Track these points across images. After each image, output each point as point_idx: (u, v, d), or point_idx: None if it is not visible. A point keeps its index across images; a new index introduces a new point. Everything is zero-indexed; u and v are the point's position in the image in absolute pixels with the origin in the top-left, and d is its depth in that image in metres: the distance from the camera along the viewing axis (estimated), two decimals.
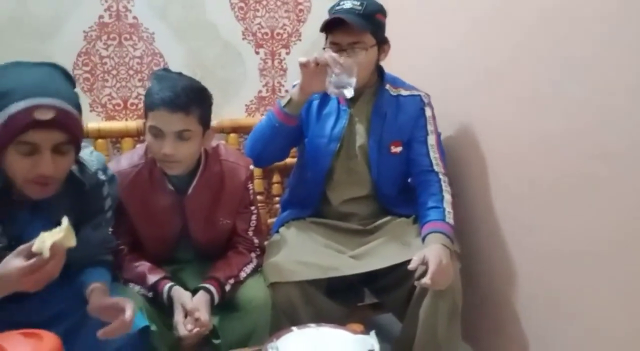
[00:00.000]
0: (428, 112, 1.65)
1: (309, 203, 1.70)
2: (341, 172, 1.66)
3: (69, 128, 1.07)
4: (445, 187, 1.60)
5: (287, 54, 2.09)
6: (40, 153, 1.05)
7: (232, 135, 2.00)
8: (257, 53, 2.05)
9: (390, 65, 1.70)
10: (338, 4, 1.55)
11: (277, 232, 1.69)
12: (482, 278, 1.72)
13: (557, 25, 1.34)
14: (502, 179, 1.61)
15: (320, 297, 1.52)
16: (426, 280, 1.36)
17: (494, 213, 1.64)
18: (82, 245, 1.21)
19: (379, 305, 1.79)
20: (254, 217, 1.56)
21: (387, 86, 1.65)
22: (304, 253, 1.53)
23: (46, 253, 0.96)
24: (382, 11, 1.58)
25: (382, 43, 1.59)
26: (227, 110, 2.02)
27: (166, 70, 1.46)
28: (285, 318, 1.44)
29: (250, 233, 1.55)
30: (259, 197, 1.90)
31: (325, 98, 1.67)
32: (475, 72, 1.67)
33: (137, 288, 1.39)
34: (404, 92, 1.66)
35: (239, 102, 2.07)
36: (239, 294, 1.46)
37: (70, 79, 1.16)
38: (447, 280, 1.41)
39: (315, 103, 1.66)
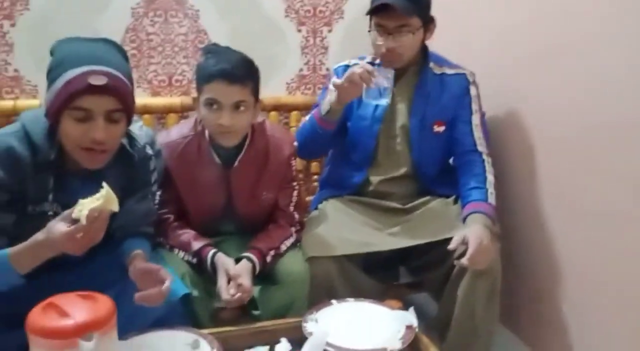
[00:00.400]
0: (473, 91, 1.62)
1: (349, 182, 1.70)
2: (381, 152, 1.66)
3: (121, 95, 1.12)
4: (489, 167, 1.58)
5: (329, 31, 2.08)
6: (94, 119, 1.10)
7: (272, 113, 2.02)
8: (299, 31, 2.05)
9: (435, 42, 1.67)
10: None
11: (316, 208, 1.71)
12: (522, 261, 1.70)
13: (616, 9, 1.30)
14: (548, 161, 1.58)
15: (357, 273, 1.53)
16: (465, 260, 1.36)
17: (537, 194, 1.61)
18: (126, 216, 1.26)
19: (415, 284, 1.79)
20: (295, 193, 1.59)
21: (431, 65, 1.63)
22: (342, 228, 1.54)
23: (83, 221, 1.00)
24: None
25: (428, 23, 1.57)
26: (268, 88, 2.02)
27: (216, 45, 1.49)
28: (322, 292, 1.46)
29: (291, 208, 1.58)
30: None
31: None
32: (523, 51, 1.63)
33: (181, 254, 1.44)
34: (448, 71, 1.64)
35: (280, 80, 2.08)
36: (278, 267, 1.49)
37: (123, 53, 1.21)
38: (487, 260, 1.41)
39: None
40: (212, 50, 1.44)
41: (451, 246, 1.39)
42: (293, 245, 1.55)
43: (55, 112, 1.12)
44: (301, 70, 2.09)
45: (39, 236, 1.06)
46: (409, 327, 1.22)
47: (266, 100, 1.97)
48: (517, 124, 1.67)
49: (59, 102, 1.10)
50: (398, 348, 1.16)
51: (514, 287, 1.71)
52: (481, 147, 1.61)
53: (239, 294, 1.35)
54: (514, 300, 1.73)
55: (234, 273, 1.37)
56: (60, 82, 1.09)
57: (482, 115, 1.65)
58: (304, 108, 2.03)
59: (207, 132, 1.47)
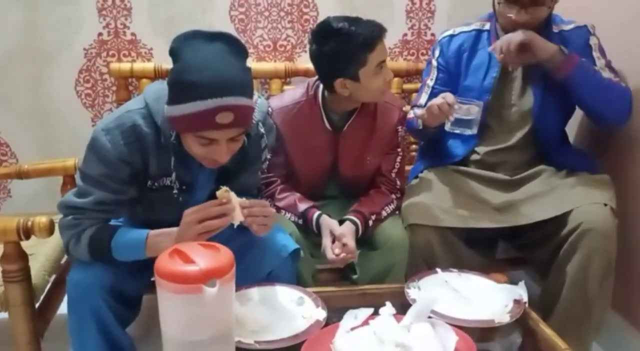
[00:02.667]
0: (593, 40, 1.54)
1: (452, 152, 1.65)
2: (493, 123, 1.59)
3: (245, 124, 1.13)
4: None
5: None
6: (217, 144, 1.11)
7: None
8: None
9: None
10: None
11: (416, 177, 1.68)
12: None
13: None
14: None
15: (459, 244, 1.50)
16: None
17: None
18: (235, 188, 1.30)
19: (516, 260, 1.73)
20: (399, 159, 1.58)
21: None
22: (444, 199, 1.51)
23: (232, 201, 1.14)
24: None
25: None
26: None
27: (336, 18, 1.43)
28: (421, 260, 1.46)
29: (394, 174, 1.58)
30: None
31: (474, 48, 1.60)
32: None
33: (288, 215, 1.49)
34: (565, 27, 1.55)
35: None
36: (378, 232, 1.50)
37: (243, 52, 1.15)
38: None
39: (465, 56, 1.60)
40: (343, 19, 1.40)
41: None
42: (393, 212, 1.55)
43: (177, 129, 1.14)
44: (405, 34, 2.03)
45: (174, 229, 1.16)
46: (517, 301, 1.19)
47: None
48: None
49: (183, 127, 1.11)
50: (506, 322, 1.13)
51: (630, 271, 1.59)
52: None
53: (343, 254, 1.37)
54: (630, 285, 1.61)
55: (339, 234, 1.40)
56: (186, 109, 1.07)
57: (609, 62, 1.53)
58: (406, 75, 1.98)
59: (319, 97, 1.49)
